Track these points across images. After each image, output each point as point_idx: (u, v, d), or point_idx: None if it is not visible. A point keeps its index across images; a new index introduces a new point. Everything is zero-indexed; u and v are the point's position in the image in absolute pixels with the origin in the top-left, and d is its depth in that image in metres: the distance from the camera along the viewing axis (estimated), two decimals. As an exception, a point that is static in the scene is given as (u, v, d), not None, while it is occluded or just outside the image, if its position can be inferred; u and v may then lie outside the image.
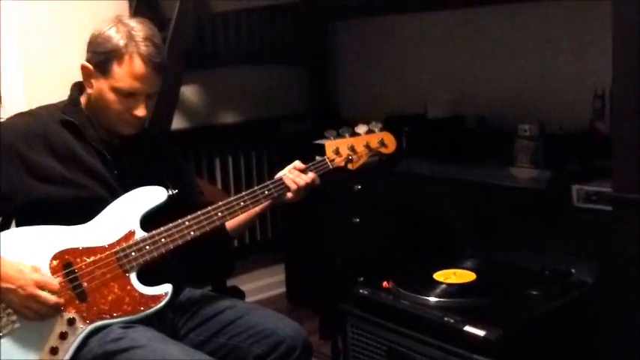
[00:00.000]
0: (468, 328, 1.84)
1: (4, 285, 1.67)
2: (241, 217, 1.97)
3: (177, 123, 3.18)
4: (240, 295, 3.03)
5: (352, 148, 1.99)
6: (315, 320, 3.16)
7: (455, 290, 2.08)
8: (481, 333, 1.81)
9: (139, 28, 1.81)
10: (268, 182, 1.92)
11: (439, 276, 2.17)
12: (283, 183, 1.93)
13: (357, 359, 2.14)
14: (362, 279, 2.42)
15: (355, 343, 2.13)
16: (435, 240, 2.61)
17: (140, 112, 1.82)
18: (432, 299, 2.02)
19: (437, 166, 2.68)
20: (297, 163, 1.96)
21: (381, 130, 2.03)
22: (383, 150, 2.03)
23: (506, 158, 2.58)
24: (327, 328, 3.00)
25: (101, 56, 1.79)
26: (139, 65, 1.78)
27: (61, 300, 1.71)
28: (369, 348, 2.09)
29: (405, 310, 2.01)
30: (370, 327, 2.08)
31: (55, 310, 1.71)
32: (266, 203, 1.95)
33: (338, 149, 1.98)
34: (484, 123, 2.83)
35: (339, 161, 1.98)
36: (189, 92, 3.34)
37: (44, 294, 1.68)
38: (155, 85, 1.84)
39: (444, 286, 2.11)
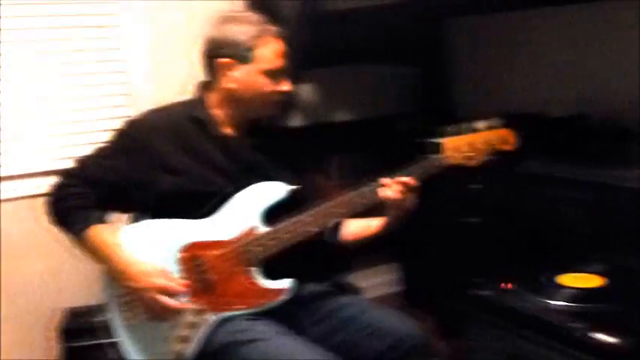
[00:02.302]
0: (598, 335, 1.73)
1: (131, 284, 1.75)
2: (360, 232, 1.98)
3: (293, 121, 3.20)
4: (355, 292, 3.02)
5: (471, 145, 1.92)
6: (430, 320, 3.10)
7: (582, 294, 1.96)
8: (613, 340, 1.69)
9: (252, 14, 1.94)
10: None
11: (563, 279, 2.05)
12: None
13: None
14: (479, 280, 2.34)
15: (475, 345, 2.07)
16: (557, 242, 2.49)
17: (286, 85, 1.91)
18: (557, 303, 1.92)
19: (559, 167, 2.55)
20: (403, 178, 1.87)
21: (502, 126, 1.96)
22: (503, 147, 1.94)
23: (633, 159, 2.43)
24: (444, 328, 2.94)
25: (241, 47, 1.85)
26: (278, 44, 1.89)
27: (181, 306, 1.75)
28: (489, 350, 2.01)
29: (528, 313, 1.92)
30: (491, 329, 2.00)
31: (175, 314, 1.75)
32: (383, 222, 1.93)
33: (457, 146, 1.92)
34: (609, 122, 2.68)
35: (458, 158, 1.92)
36: (304, 90, 3.35)
37: (165, 299, 1.73)
38: None
39: (569, 289, 2.00)
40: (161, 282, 1.74)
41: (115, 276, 1.77)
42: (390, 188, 1.84)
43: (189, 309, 1.76)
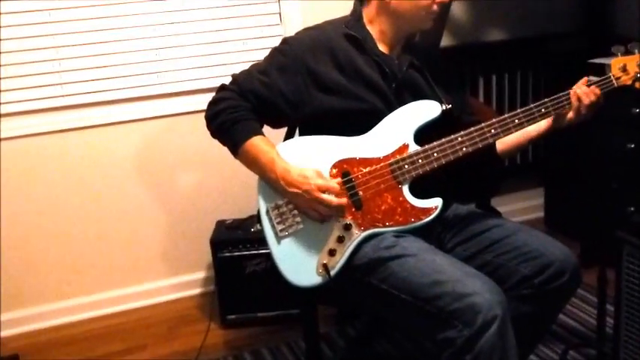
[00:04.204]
0: None
1: (292, 190, 1.79)
2: (514, 139, 1.90)
3: (444, 40, 3.13)
4: (498, 215, 2.98)
5: (643, 66, 1.81)
6: (574, 247, 3.01)
7: None
8: None
9: None
10: (546, 100, 1.81)
11: None
12: (563, 100, 1.81)
13: (632, 290, 2.00)
14: (632, 208, 2.25)
15: (630, 274, 1.99)
16: None
17: None
18: None
19: None
20: (584, 80, 1.83)
21: (677, 46, 1.82)
22: (677, 69, 1.82)
23: None
24: (590, 255, 2.85)
25: None
26: None
27: (343, 201, 1.79)
28: (644, 280, 1.95)
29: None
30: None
31: (337, 210, 1.79)
32: (544, 127, 1.87)
33: (625, 66, 1.80)
34: None
35: (626, 79, 1.81)
36: (457, 9, 3.26)
37: (327, 196, 1.77)
38: None
39: None
40: (321, 182, 1.78)
41: (273, 185, 1.83)
42: (583, 91, 1.79)
43: (341, 220, 1.80)
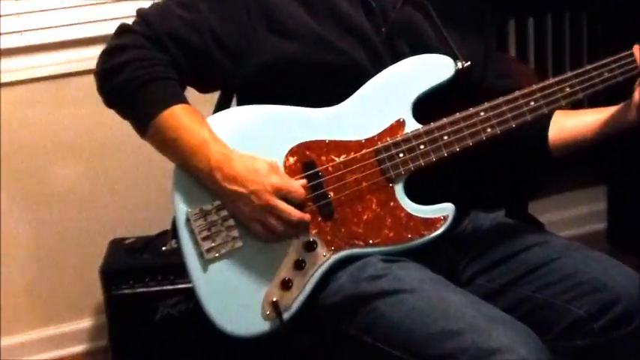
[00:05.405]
0: None
1: (233, 187, 1.75)
2: (576, 128, 1.92)
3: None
4: (538, 227, 3.00)
5: None
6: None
7: None
8: None
9: None
10: (609, 59, 1.81)
11: None
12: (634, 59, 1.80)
13: None
14: None
15: None
16: None
17: None
18: None
19: None
20: None
21: None
22: None
23: None
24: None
25: None
26: None
27: (308, 216, 1.77)
28: None
29: None
30: None
31: (298, 230, 1.77)
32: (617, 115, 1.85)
33: None
34: None
35: None
36: None
37: (286, 206, 1.74)
38: None
39: None
40: (279, 180, 1.76)
41: (201, 179, 1.80)
42: None
43: (301, 236, 1.78)
